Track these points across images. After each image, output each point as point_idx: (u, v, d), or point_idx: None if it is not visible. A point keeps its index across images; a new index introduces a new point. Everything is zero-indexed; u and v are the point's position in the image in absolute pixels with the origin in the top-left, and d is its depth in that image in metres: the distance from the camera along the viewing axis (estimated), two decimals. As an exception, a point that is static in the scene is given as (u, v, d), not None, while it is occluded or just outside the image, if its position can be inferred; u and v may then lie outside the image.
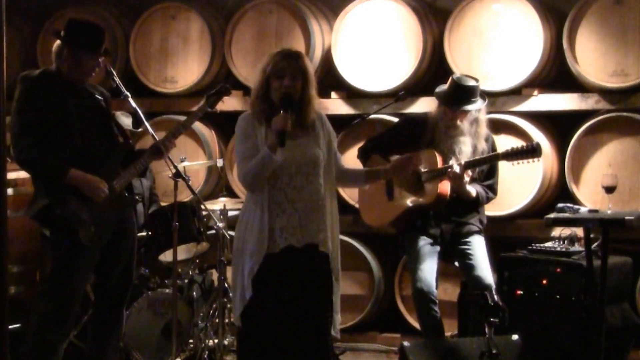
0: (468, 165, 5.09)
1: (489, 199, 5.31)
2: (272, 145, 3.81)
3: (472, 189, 5.18)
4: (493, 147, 5.32)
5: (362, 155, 5.46)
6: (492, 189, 5.31)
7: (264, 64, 3.93)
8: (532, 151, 4.94)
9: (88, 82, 4.71)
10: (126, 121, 6.13)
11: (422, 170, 5.18)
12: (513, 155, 5.00)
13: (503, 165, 5.40)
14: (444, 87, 5.26)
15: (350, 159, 5.60)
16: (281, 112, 3.82)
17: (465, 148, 5.17)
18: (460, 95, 5.15)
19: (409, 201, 5.25)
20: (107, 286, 4.71)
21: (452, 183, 5.11)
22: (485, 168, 5.28)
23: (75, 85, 4.60)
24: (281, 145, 3.80)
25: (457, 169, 5.03)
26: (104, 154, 4.62)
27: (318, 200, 3.94)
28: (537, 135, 5.90)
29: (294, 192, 3.89)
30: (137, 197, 4.84)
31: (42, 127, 4.45)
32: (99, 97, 4.71)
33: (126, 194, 4.70)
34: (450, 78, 5.26)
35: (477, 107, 5.19)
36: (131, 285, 4.82)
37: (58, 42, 4.61)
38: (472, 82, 5.20)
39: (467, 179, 5.12)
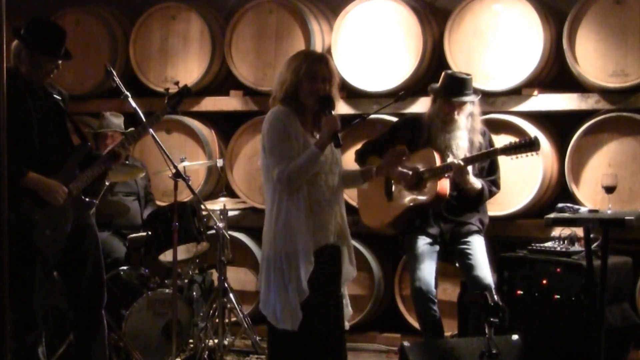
0: (467, 162, 5.11)
1: (492, 193, 5.32)
2: (322, 144, 3.84)
3: (477, 182, 5.20)
4: (490, 143, 5.35)
5: (359, 158, 5.48)
6: (496, 184, 5.34)
7: (296, 65, 3.94)
8: (530, 145, 4.98)
9: (46, 81, 4.60)
10: (116, 122, 6.12)
11: (421, 169, 5.20)
12: (511, 149, 5.03)
13: (503, 165, 5.41)
14: (436, 85, 5.31)
15: (350, 159, 5.60)
16: (329, 112, 3.86)
17: (462, 143, 5.20)
18: (456, 86, 5.21)
19: (408, 201, 5.25)
20: (79, 292, 4.62)
21: (457, 178, 5.12)
22: (486, 165, 5.30)
23: (33, 85, 4.50)
24: (337, 145, 3.89)
25: (460, 163, 5.07)
26: (62, 156, 4.53)
27: (340, 199, 4.06)
28: (537, 135, 5.89)
29: (329, 191, 3.96)
30: (93, 201, 4.73)
31: None
32: (57, 97, 4.61)
33: (83, 197, 4.60)
34: (443, 73, 5.33)
35: (473, 99, 5.25)
36: (104, 287, 4.70)
37: (17, 41, 4.48)
38: (465, 76, 5.29)
39: (470, 171, 5.14)
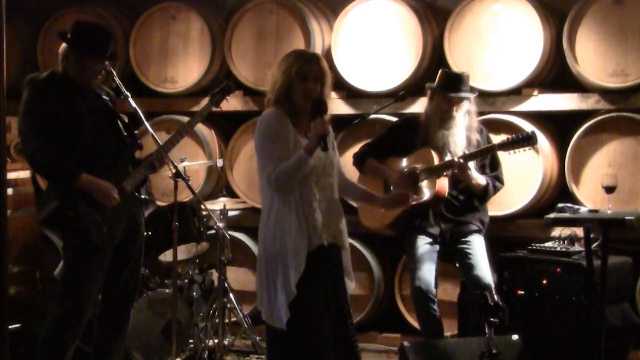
0: (467, 158, 5.12)
1: (496, 188, 5.33)
2: (310, 148, 3.84)
3: (482, 178, 5.21)
4: (488, 140, 5.37)
5: (358, 161, 5.48)
6: (499, 180, 5.36)
7: (287, 66, 3.94)
8: (527, 139, 5.00)
9: (94, 83, 4.71)
10: None
11: (419, 169, 5.20)
12: (509, 144, 5.06)
13: (503, 166, 5.41)
14: (433, 84, 5.33)
15: (350, 160, 5.60)
16: (319, 116, 3.86)
17: (460, 140, 5.22)
18: (454, 83, 5.25)
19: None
20: (116, 287, 4.71)
21: (459, 175, 5.13)
22: (488, 161, 5.32)
23: (82, 87, 4.60)
24: (324, 149, 3.84)
25: (460, 160, 5.07)
26: (114, 154, 4.63)
27: (336, 200, 4.04)
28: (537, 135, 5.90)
29: (321, 192, 3.96)
30: (147, 198, 4.83)
31: (52, 130, 4.45)
32: (105, 98, 4.72)
33: (136, 194, 4.70)
34: (440, 71, 5.37)
35: (471, 96, 5.28)
36: (139, 286, 4.83)
37: (64, 44, 4.59)
38: (462, 73, 5.34)
39: (472, 167, 5.15)
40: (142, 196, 4.75)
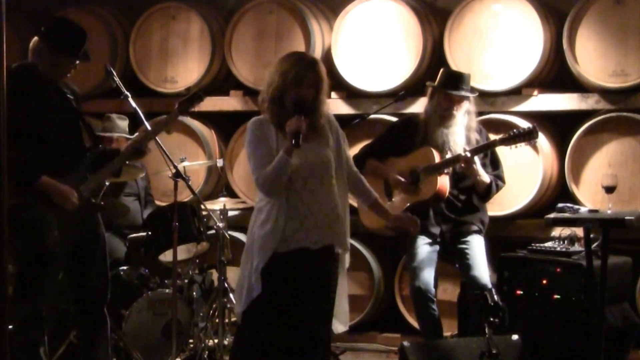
0: (473, 152, 5.13)
1: (499, 187, 5.33)
2: (287, 148, 3.82)
3: (486, 175, 5.21)
4: (487, 140, 5.37)
5: (358, 162, 5.45)
6: (501, 178, 5.36)
7: (284, 69, 3.91)
8: (528, 133, 5.02)
9: (61, 81, 4.61)
10: (122, 125, 6.10)
11: (420, 167, 5.20)
12: (510, 139, 5.08)
13: (503, 164, 5.41)
14: (433, 83, 5.33)
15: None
16: (297, 115, 3.83)
17: (459, 138, 5.22)
18: (455, 81, 5.25)
19: (408, 200, 5.25)
20: (84, 290, 4.63)
21: (465, 170, 5.12)
22: (488, 160, 5.32)
23: (49, 84, 4.51)
24: (296, 146, 3.80)
25: (467, 154, 5.08)
26: (75, 157, 4.54)
27: (332, 202, 3.96)
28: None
29: (309, 195, 3.91)
30: (101, 202, 4.73)
31: (16, 127, 4.37)
32: (70, 96, 4.62)
33: (92, 200, 4.59)
34: (442, 70, 5.37)
35: (472, 94, 5.29)
36: (109, 286, 4.73)
37: (37, 38, 4.50)
38: (463, 72, 5.36)
39: (478, 163, 5.14)
40: (93, 201, 4.60)
